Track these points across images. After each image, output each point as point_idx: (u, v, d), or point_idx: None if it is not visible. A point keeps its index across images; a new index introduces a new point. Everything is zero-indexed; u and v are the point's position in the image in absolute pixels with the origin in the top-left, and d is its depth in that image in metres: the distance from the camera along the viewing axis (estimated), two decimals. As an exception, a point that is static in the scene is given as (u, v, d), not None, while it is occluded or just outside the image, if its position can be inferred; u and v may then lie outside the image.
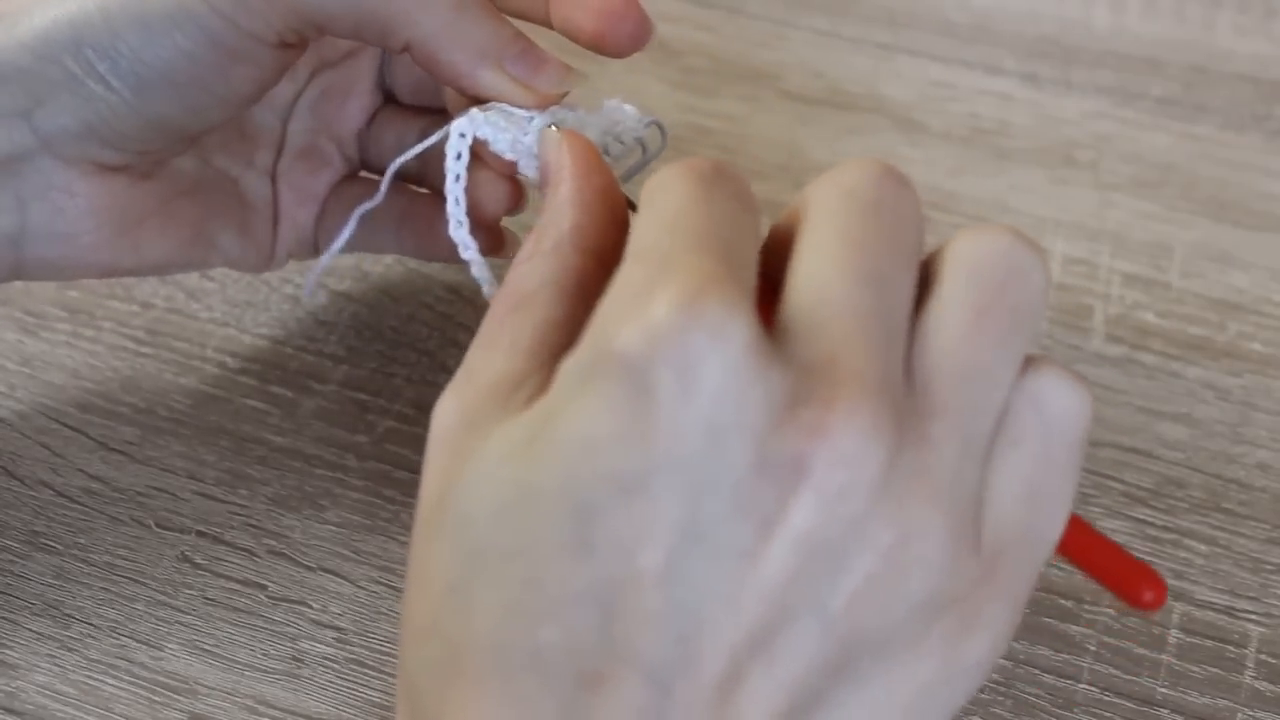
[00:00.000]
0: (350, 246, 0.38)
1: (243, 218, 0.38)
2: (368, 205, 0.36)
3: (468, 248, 0.33)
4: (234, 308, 0.43)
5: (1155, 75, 0.52)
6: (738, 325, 0.22)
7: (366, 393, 0.41)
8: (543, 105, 0.32)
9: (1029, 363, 0.24)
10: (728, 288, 0.22)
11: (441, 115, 0.37)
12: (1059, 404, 0.24)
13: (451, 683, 0.23)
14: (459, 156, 0.32)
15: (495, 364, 0.25)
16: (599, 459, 0.22)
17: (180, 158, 0.36)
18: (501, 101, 0.32)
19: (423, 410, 0.40)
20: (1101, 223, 0.46)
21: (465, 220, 0.33)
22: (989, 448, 0.24)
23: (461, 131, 0.32)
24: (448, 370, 0.27)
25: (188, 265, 0.37)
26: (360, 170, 0.40)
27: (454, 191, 0.32)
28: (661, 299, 0.22)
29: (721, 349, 0.22)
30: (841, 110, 0.50)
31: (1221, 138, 0.50)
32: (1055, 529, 0.25)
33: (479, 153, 0.33)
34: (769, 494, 0.22)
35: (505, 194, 0.34)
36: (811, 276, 0.24)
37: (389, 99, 0.40)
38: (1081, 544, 0.26)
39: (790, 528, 0.22)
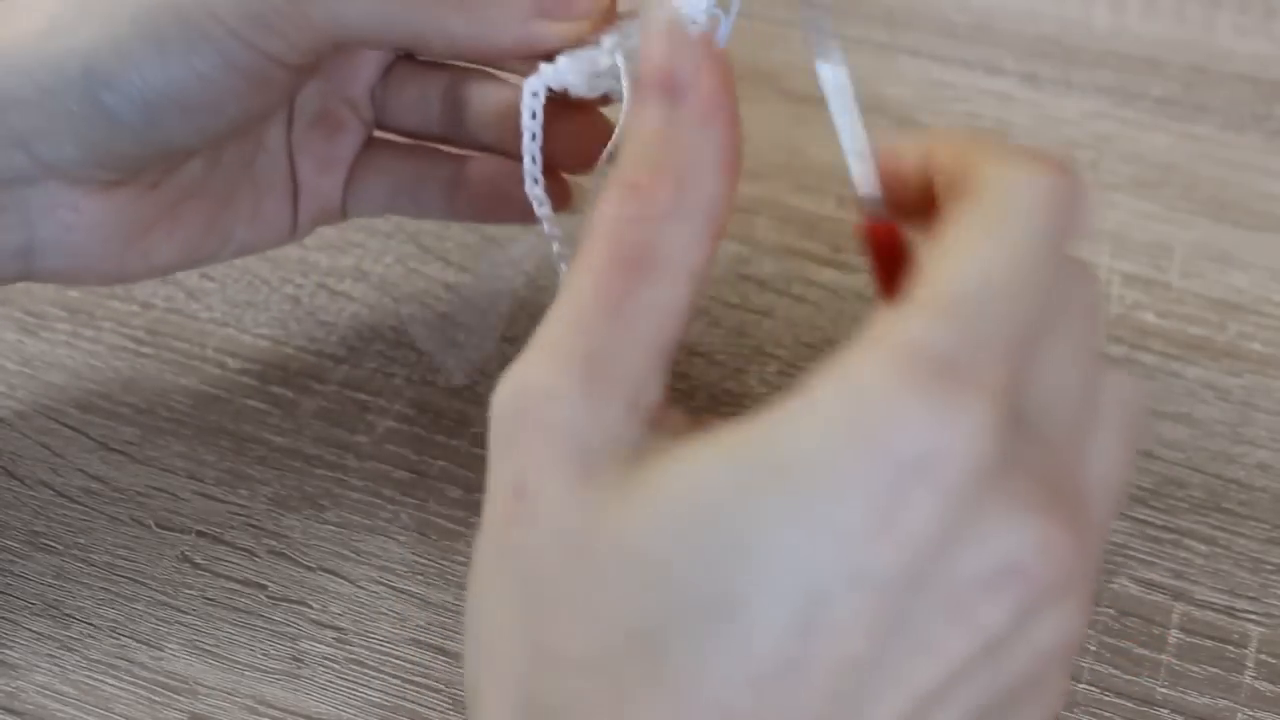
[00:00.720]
0: (396, 212, 0.38)
1: (255, 202, 0.37)
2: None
3: (542, 204, 0.32)
4: (234, 308, 0.43)
5: (1155, 75, 0.52)
6: (998, 445, 0.21)
7: (366, 393, 0.41)
8: (600, 27, 0.31)
9: (1116, 384, 0.25)
10: (1004, 403, 0.21)
11: (461, 69, 0.36)
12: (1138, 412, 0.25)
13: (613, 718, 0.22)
14: (534, 115, 0.31)
15: (628, 350, 0.23)
16: (840, 548, 0.21)
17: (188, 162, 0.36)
18: (562, 48, 0.31)
19: (423, 410, 0.40)
20: (1101, 223, 0.46)
21: (541, 178, 0.32)
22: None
23: (534, 90, 0.31)
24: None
25: (200, 262, 0.37)
26: (374, 130, 0.39)
27: (530, 150, 0.32)
28: (947, 403, 0.20)
29: (978, 465, 0.21)
30: (841, 110, 0.50)
31: (1221, 138, 0.50)
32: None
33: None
34: (975, 598, 0.22)
35: (581, 148, 0.33)
36: (1055, 390, 0.23)
37: (402, 55, 0.38)
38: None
39: (982, 631, 0.22)
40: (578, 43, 0.31)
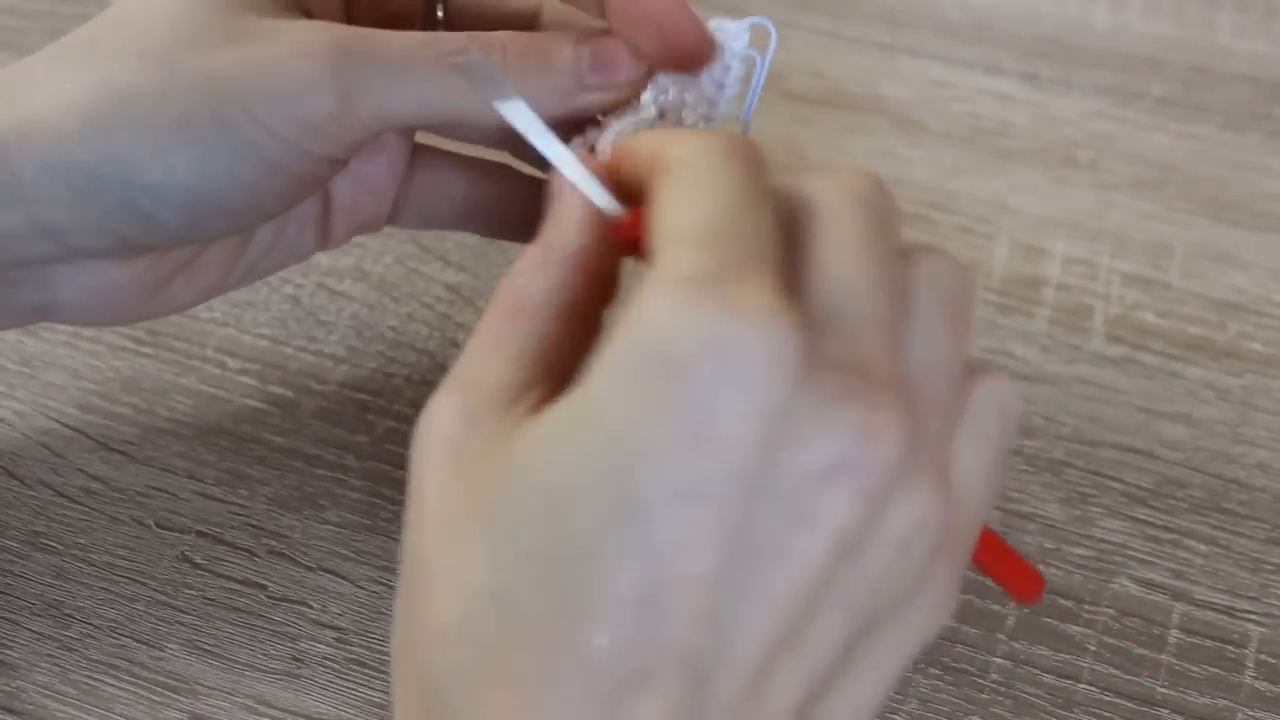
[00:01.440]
0: (421, 225, 0.37)
1: (276, 235, 0.36)
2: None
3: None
4: (234, 308, 0.43)
5: (1155, 75, 0.52)
6: (795, 335, 0.22)
7: (366, 393, 0.41)
8: (641, 87, 0.32)
9: (987, 369, 0.27)
10: (785, 298, 0.22)
11: None
12: (1013, 407, 0.27)
13: (488, 686, 0.23)
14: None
15: (499, 368, 0.25)
16: (656, 464, 0.22)
17: None
18: (605, 111, 0.32)
19: (422, 410, 0.40)
20: (1101, 223, 0.46)
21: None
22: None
23: (592, 147, 0.31)
24: (447, 370, 0.27)
25: (219, 294, 0.36)
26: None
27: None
28: (723, 305, 0.22)
29: (782, 361, 0.22)
30: (841, 110, 0.50)
31: (1221, 138, 0.50)
32: (989, 509, 0.27)
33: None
34: (815, 495, 0.23)
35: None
36: (840, 280, 0.24)
37: None
38: (986, 539, 0.29)
39: (830, 526, 0.23)
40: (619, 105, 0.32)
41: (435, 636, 0.24)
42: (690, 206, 0.24)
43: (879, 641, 0.25)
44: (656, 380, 0.22)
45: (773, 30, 0.32)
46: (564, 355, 0.26)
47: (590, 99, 0.31)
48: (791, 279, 0.24)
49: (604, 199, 0.28)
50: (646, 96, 0.32)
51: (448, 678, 0.23)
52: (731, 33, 0.32)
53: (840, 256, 0.24)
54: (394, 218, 0.37)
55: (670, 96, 0.32)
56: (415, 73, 0.30)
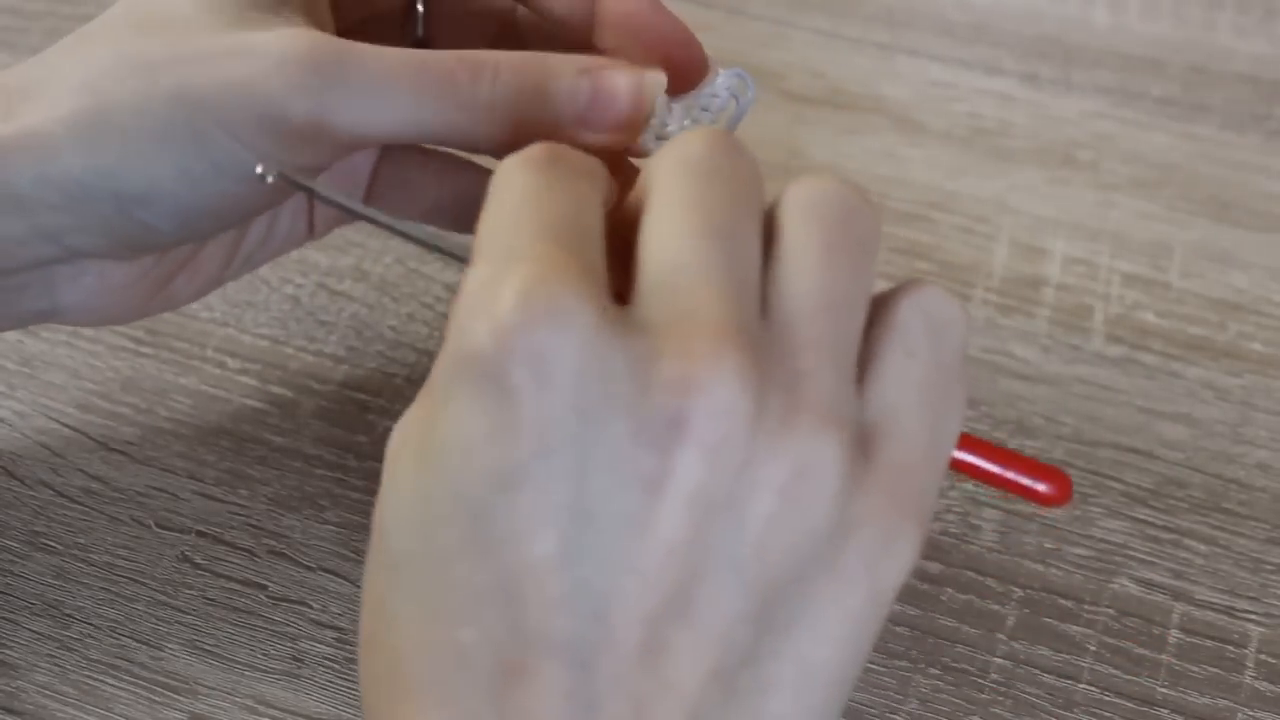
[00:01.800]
0: (431, 222, 0.36)
1: (270, 225, 0.37)
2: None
3: None
4: (234, 308, 0.43)
5: (1155, 75, 0.52)
6: (582, 305, 0.22)
7: (366, 393, 0.41)
8: (642, 124, 0.31)
9: (909, 285, 0.25)
10: (569, 271, 0.22)
11: None
12: (944, 314, 0.25)
13: (396, 694, 0.23)
14: None
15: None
16: (476, 459, 0.22)
17: None
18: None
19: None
20: (1101, 223, 0.47)
21: None
22: (857, 370, 0.24)
23: None
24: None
25: (219, 285, 0.37)
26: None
27: None
28: (505, 294, 0.22)
29: (570, 332, 0.22)
30: (841, 110, 0.50)
31: (1221, 138, 0.50)
32: (953, 435, 0.25)
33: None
34: (649, 458, 0.22)
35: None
36: (656, 241, 0.24)
37: None
38: (977, 453, 0.27)
39: (678, 487, 0.22)
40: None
41: (361, 648, 0.25)
42: (487, 223, 0.24)
43: (811, 599, 0.23)
44: (459, 382, 0.23)
45: (750, 83, 0.33)
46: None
47: (588, 141, 0.30)
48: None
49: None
50: (646, 135, 0.31)
51: (371, 688, 0.24)
52: (718, 83, 0.32)
53: (659, 220, 0.24)
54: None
55: (671, 130, 0.32)
56: (393, 92, 0.29)
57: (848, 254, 0.24)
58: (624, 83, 0.30)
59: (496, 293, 0.22)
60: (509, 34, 0.36)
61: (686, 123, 0.32)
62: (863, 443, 0.24)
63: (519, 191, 0.24)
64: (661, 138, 0.32)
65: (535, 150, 0.25)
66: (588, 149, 0.27)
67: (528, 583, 0.22)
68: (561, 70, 0.30)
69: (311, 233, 0.38)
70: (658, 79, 0.30)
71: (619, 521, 0.22)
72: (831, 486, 0.23)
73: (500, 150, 0.30)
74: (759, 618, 0.23)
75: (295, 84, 0.29)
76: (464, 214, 0.37)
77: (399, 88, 0.29)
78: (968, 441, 0.28)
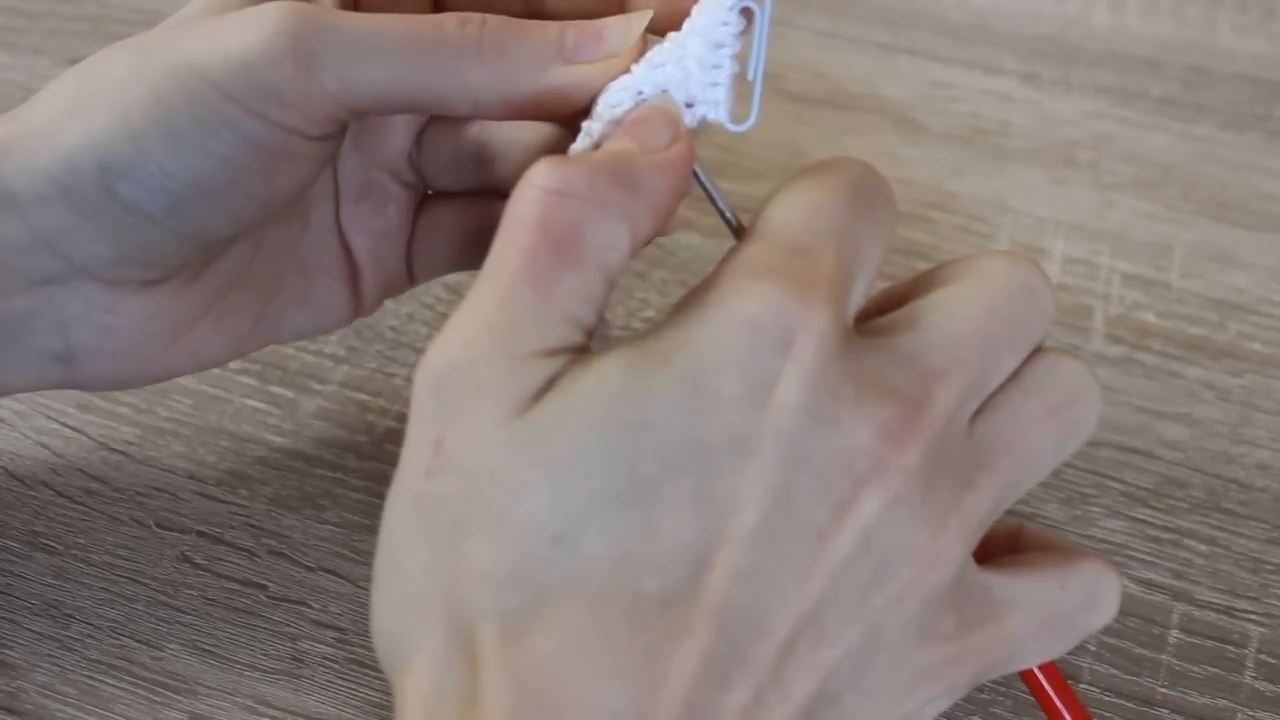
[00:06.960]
0: (466, 268, 0.36)
1: (306, 286, 0.35)
2: None
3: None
4: (234, 308, 0.43)
5: (1155, 75, 0.52)
6: (835, 322, 0.24)
7: (366, 393, 0.41)
8: (633, 59, 0.29)
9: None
10: (838, 288, 0.25)
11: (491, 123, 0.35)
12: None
13: (533, 630, 0.23)
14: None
15: (542, 320, 0.25)
16: (724, 417, 0.24)
17: (229, 251, 0.34)
18: (595, 92, 0.29)
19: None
20: (1101, 223, 0.47)
21: None
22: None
23: (588, 136, 0.29)
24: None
25: (252, 350, 0.36)
26: (423, 190, 0.37)
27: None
28: (798, 295, 0.24)
29: (832, 339, 0.24)
30: (841, 110, 0.50)
31: (1221, 138, 0.50)
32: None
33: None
34: (846, 480, 0.24)
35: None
36: (952, 308, 0.26)
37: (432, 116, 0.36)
38: (1054, 687, 0.30)
39: (858, 517, 0.24)
40: (608, 83, 0.29)
41: (481, 581, 0.24)
42: (787, 206, 0.26)
43: (910, 665, 0.25)
44: (734, 337, 0.24)
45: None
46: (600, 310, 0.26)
47: (574, 76, 0.29)
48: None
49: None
50: (639, 69, 0.29)
51: (491, 621, 0.23)
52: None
53: (969, 299, 0.26)
54: (411, 270, 0.37)
55: (664, 74, 0.29)
56: (380, 44, 0.29)
57: (1065, 429, 0.27)
58: (611, 20, 0.30)
59: (785, 277, 0.24)
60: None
61: (676, 73, 0.29)
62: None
63: (829, 199, 0.26)
64: (690, 105, 0.29)
65: (863, 170, 0.27)
66: (579, 102, 0.29)
67: (723, 550, 0.23)
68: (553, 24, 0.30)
69: (361, 303, 0.36)
70: (644, 12, 0.30)
71: (807, 523, 0.24)
72: (944, 592, 0.25)
73: (496, 106, 0.29)
74: (857, 663, 0.25)
75: (278, 31, 0.28)
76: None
77: (387, 45, 0.29)
78: (1051, 674, 0.30)
